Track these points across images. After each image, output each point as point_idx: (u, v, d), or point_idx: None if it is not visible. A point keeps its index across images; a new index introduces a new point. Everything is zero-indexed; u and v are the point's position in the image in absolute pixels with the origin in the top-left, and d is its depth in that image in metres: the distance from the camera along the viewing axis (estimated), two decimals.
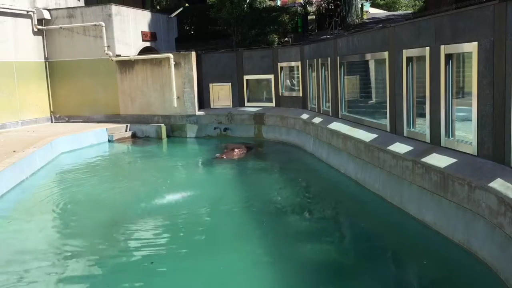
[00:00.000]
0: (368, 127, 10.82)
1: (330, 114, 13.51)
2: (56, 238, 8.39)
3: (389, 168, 8.95)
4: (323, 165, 12.85)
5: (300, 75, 16.50)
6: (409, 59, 8.95)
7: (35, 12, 19.59)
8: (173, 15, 24.58)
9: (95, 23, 19.50)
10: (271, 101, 17.98)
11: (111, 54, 19.39)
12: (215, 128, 18.47)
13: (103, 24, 19.40)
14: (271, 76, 17.80)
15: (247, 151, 15.26)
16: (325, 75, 13.99)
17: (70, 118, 20.27)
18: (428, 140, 8.29)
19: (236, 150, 14.96)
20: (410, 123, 9.12)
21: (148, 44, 22.01)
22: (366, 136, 10.32)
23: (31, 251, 7.64)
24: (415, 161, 7.93)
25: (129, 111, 19.46)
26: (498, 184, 5.97)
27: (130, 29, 20.67)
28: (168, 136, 18.61)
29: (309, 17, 28.01)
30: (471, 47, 6.89)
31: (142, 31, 21.56)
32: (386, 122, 10.03)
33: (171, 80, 18.41)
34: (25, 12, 19.32)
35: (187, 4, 30.63)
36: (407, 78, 9.05)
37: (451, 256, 6.73)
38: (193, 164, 14.60)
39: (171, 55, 18.48)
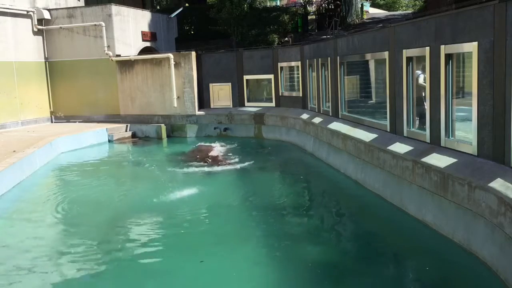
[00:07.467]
0: (368, 127, 10.81)
1: (330, 114, 13.51)
2: (56, 238, 8.37)
3: (389, 168, 8.95)
4: (323, 165, 12.85)
5: (300, 75, 16.51)
6: (409, 59, 8.95)
7: (35, 12, 19.58)
8: (173, 15, 24.59)
9: (95, 23, 19.50)
10: (271, 101, 17.98)
11: (111, 54, 19.39)
12: (215, 128, 18.48)
13: (103, 24, 19.40)
14: (271, 76, 17.81)
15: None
16: (325, 75, 13.99)
17: (70, 118, 20.27)
18: (428, 140, 8.29)
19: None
20: (410, 123, 9.13)
21: (148, 44, 22.01)
22: (366, 136, 10.32)
23: (32, 251, 7.64)
24: (415, 161, 7.93)
25: (129, 111, 19.46)
26: (498, 184, 5.97)
27: (130, 29, 20.67)
28: (168, 136, 18.61)
29: (309, 17, 28.02)
30: (471, 47, 6.89)
31: (142, 31, 21.56)
32: (386, 122, 10.03)
33: (171, 80, 18.41)
34: (25, 12, 19.32)
35: (187, 4, 30.63)
36: (407, 78, 9.06)
37: (451, 256, 6.72)
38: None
39: (171, 55, 18.48)
